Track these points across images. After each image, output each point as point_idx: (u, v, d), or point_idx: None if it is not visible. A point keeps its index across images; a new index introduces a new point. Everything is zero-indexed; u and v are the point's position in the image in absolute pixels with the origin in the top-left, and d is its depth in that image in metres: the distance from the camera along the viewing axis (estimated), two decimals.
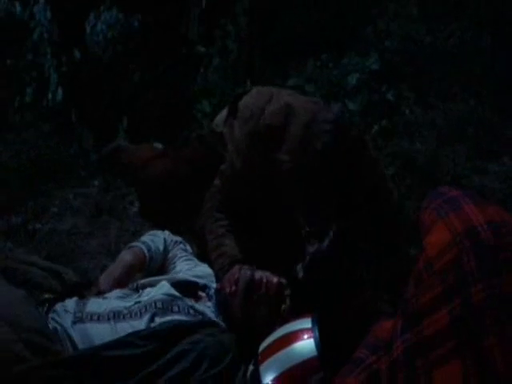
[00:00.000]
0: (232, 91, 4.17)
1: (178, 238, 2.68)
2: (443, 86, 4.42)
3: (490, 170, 3.66)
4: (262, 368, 1.92)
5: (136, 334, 2.05)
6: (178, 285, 2.35)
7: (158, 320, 2.15)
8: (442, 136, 3.91)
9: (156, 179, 3.11)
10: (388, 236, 2.38)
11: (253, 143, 2.44)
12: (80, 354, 1.99)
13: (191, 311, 2.24)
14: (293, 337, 1.95)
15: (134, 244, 2.57)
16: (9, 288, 2.11)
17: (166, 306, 2.21)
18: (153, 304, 2.20)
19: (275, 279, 2.25)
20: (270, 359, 1.92)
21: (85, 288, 2.36)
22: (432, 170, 3.55)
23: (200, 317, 2.24)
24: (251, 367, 1.96)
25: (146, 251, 2.52)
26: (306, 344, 1.90)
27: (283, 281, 2.26)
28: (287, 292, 2.26)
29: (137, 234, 3.08)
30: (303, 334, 1.93)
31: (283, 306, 2.25)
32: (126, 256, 2.52)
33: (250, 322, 2.23)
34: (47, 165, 3.67)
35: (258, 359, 1.95)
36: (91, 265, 2.91)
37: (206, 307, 2.29)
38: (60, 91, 4.37)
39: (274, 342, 1.98)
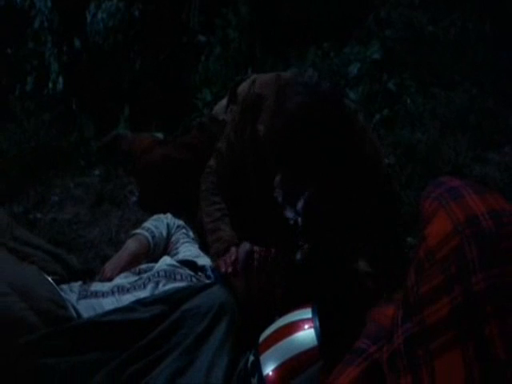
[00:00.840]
0: (233, 80, 4.16)
1: (181, 222, 2.71)
2: (445, 75, 4.40)
3: (491, 159, 3.65)
4: (262, 358, 1.92)
5: (139, 302, 2.10)
6: (179, 262, 2.40)
7: (161, 287, 2.20)
8: (444, 125, 3.90)
9: (156, 167, 3.11)
10: (387, 225, 2.38)
11: (244, 114, 2.44)
12: (85, 322, 2.02)
13: (194, 279, 2.27)
14: (293, 327, 1.95)
15: (138, 231, 2.59)
16: (20, 264, 2.16)
17: (168, 274, 2.26)
18: (156, 274, 2.26)
19: (271, 249, 2.32)
20: (271, 349, 1.92)
21: (88, 276, 2.37)
22: (433, 160, 3.54)
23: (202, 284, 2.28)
24: (251, 357, 1.97)
25: (150, 239, 2.54)
26: (306, 334, 1.90)
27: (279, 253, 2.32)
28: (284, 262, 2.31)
29: (138, 223, 3.08)
30: (304, 324, 1.93)
31: (279, 277, 2.28)
32: (131, 245, 2.54)
33: (248, 293, 2.25)
34: (48, 154, 3.66)
35: (258, 349, 1.96)
36: (92, 254, 2.91)
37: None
38: (61, 80, 4.37)
39: (275, 332, 1.98)
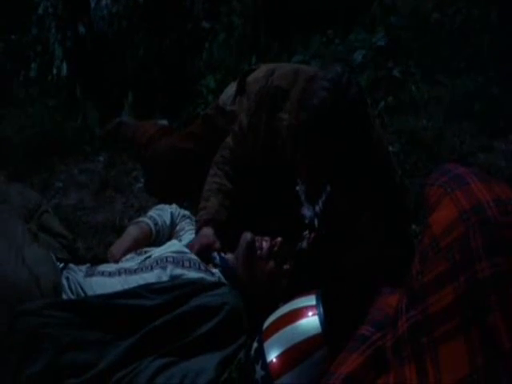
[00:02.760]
0: (237, 67, 4.16)
1: (186, 212, 2.72)
2: (450, 63, 4.39)
3: (496, 147, 3.65)
4: (266, 345, 1.92)
5: (146, 287, 2.10)
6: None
7: (169, 273, 2.20)
8: (449, 113, 3.89)
9: (162, 157, 3.11)
10: (391, 213, 2.38)
11: (261, 103, 2.46)
12: (89, 300, 2.05)
13: (202, 267, 2.28)
14: (297, 314, 1.95)
15: (140, 219, 2.61)
16: (35, 246, 2.19)
17: (177, 260, 2.26)
18: (164, 259, 2.26)
19: (278, 238, 2.33)
20: (275, 336, 1.92)
21: (94, 263, 2.38)
22: (438, 147, 3.53)
23: (210, 274, 2.29)
24: (255, 344, 1.97)
25: (152, 226, 2.55)
26: (310, 321, 1.91)
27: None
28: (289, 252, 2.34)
29: (141, 210, 3.09)
30: (308, 311, 1.94)
31: (286, 266, 2.29)
32: (132, 230, 2.56)
33: (254, 282, 2.26)
34: (52, 140, 3.65)
35: (262, 336, 1.96)
36: (96, 240, 2.91)
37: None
38: (65, 66, 4.35)
39: (279, 318, 1.98)
